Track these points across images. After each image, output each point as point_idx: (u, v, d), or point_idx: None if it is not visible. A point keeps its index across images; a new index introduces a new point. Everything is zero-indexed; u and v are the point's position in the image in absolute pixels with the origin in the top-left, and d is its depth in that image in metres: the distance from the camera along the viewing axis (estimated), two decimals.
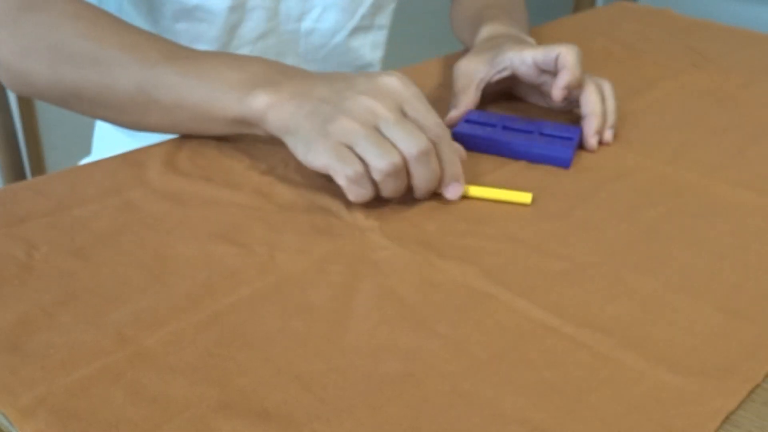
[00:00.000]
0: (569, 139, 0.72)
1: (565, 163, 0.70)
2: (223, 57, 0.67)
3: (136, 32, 0.69)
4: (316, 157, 0.59)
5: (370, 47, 0.97)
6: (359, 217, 0.61)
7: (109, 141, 0.96)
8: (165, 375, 0.45)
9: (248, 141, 0.72)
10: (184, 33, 0.84)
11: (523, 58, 0.75)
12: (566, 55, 0.72)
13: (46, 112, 1.83)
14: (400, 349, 0.48)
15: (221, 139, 0.72)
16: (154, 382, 0.45)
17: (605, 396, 0.45)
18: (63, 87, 0.69)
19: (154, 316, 0.50)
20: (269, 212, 0.61)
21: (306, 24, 0.89)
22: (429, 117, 0.60)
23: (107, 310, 0.50)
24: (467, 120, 0.74)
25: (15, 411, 0.42)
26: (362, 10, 0.92)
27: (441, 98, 0.82)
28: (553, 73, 0.74)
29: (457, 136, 0.71)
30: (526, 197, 0.64)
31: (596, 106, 0.73)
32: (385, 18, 0.96)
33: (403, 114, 0.60)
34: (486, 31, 0.85)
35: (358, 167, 0.58)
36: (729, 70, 0.94)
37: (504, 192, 0.64)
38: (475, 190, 0.64)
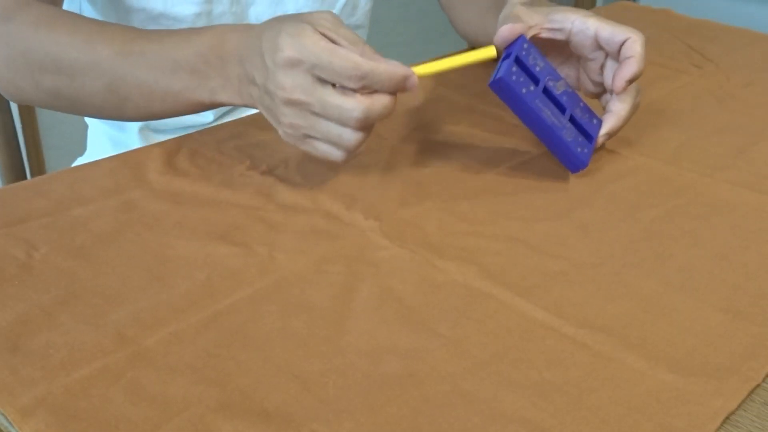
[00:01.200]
0: (590, 137, 0.69)
1: (577, 169, 0.68)
2: (165, 45, 0.66)
3: (87, 29, 0.69)
4: (296, 147, 0.62)
5: None
6: (359, 217, 0.61)
7: (100, 134, 0.97)
8: (165, 375, 0.45)
9: (248, 141, 0.72)
10: None
11: (586, 25, 0.68)
12: (636, 44, 0.66)
13: (45, 113, 1.83)
14: (400, 349, 0.48)
15: (221, 139, 0.72)
16: (154, 382, 0.45)
17: (605, 396, 0.45)
18: (44, 93, 0.71)
19: (154, 316, 0.50)
20: (269, 212, 0.61)
21: None
22: (341, 71, 0.57)
23: (107, 310, 0.50)
24: (517, 58, 0.66)
25: (15, 411, 0.42)
26: (335, 11, 0.91)
27: (435, 99, 0.82)
28: (609, 53, 0.70)
29: (498, 84, 0.64)
30: (489, 51, 0.60)
31: (626, 112, 0.69)
32: (361, 18, 0.95)
33: (321, 81, 0.58)
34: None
35: (338, 153, 0.60)
36: (729, 70, 0.94)
37: (465, 56, 0.61)
38: (428, 67, 0.62)
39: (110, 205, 0.61)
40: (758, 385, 0.46)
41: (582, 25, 0.69)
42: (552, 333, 0.50)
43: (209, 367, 0.46)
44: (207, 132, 0.73)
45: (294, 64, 0.57)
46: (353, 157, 0.63)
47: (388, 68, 0.58)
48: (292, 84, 0.58)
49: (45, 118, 1.84)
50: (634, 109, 0.70)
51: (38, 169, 1.85)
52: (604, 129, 0.69)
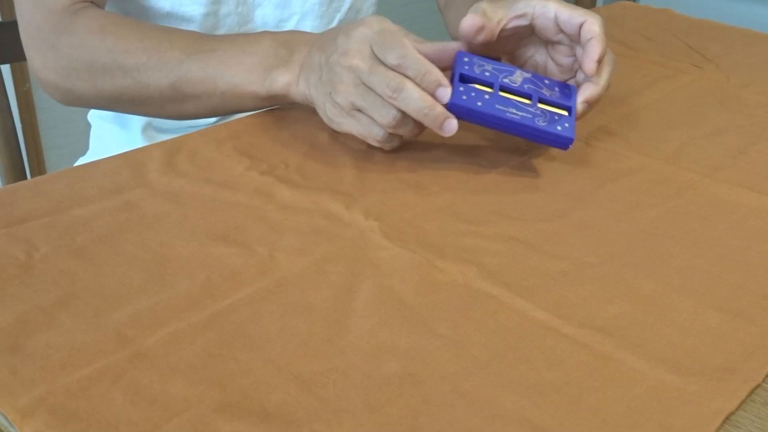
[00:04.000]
0: (568, 108, 0.68)
1: (567, 145, 0.67)
2: (237, 42, 0.74)
3: (155, 34, 0.74)
4: (341, 126, 0.68)
5: None
6: (359, 217, 0.61)
7: (104, 134, 0.97)
8: (165, 375, 0.45)
9: (248, 141, 0.72)
10: None
11: (546, 9, 0.70)
12: (593, 25, 0.68)
13: (45, 113, 1.83)
14: (400, 349, 0.48)
15: (221, 139, 0.72)
16: (154, 382, 0.45)
17: (605, 396, 0.45)
18: (105, 97, 0.76)
19: (154, 316, 0.50)
20: (269, 212, 0.61)
21: None
22: (388, 54, 0.64)
23: (107, 310, 0.50)
24: (461, 76, 0.67)
25: (15, 411, 0.42)
26: (340, 15, 0.92)
27: None
28: (570, 37, 0.71)
29: (452, 110, 0.65)
30: None
31: (603, 80, 0.69)
32: None
33: (376, 58, 0.65)
34: None
35: (378, 130, 0.66)
36: (729, 70, 0.94)
37: None
38: None
39: (110, 205, 0.61)
40: (758, 385, 0.46)
41: (542, 8, 0.70)
42: (552, 333, 0.50)
43: (209, 367, 0.46)
44: (207, 132, 0.73)
45: (360, 37, 0.65)
46: (398, 144, 0.69)
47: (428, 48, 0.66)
48: (357, 49, 0.65)
49: (45, 117, 1.84)
50: (610, 77, 0.71)
51: (38, 169, 1.85)
52: (582, 96, 0.69)
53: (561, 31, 0.71)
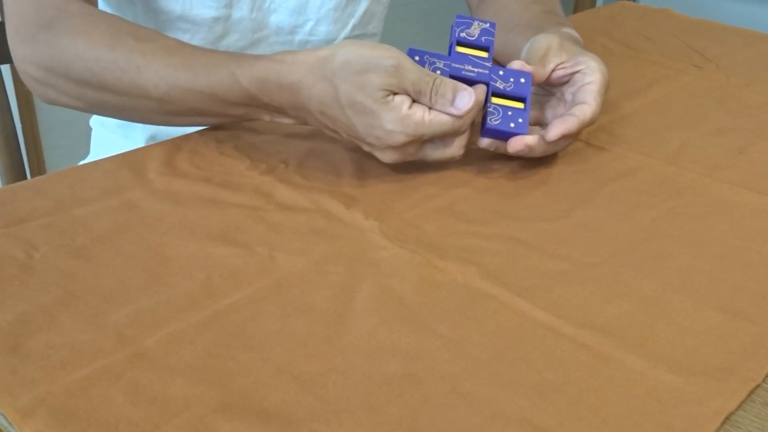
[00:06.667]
0: (523, 99, 0.67)
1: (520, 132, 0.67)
2: (216, 79, 0.67)
3: (130, 47, 0.69)
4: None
5: None
6: (359, 218, 0.61)
7: (106, 142, 0.97)
8: (165, 375, 0.45)
9: (248, 141, 0.72)
10: None
11: (591, 76, 0.69)
12: (588, 110, 0.67)
13: (46, 113, 1.83)
14: (400, 349, 0.48)
15: (221, 140, 0.72)
16: (154, 382, 0.45)
17: (605, 396, 0.45)
18: (87, 102, 0.73)
19: (154, 316, 0.50)
20: (269, 212, 0.61)
21: (299, 37, 0.89)
22: (439, 134, 0.64)
23: (107, 310, 0.50)
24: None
25: (15, 411, 0.42)
26: (354, 20, 0.92)
27: None
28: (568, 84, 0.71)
29: None
30: None
31: (591, 114, 0.68)
32: (376, 26, 0.97)
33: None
34: (567, 30, 0.78)
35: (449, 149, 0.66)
36: (729, 70, 0.94)
37: None
38: None
39: (110, 205, 0.61)
40: (758, 385, 0.46)
41: (590, 74, 0.69)
42: (552, 333, 0.50)
43: (209, 367, 0.46)
44: (207, 132, 0.73)
45: (410, 144, 0.64)
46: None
47: (470, 114, 0.64)
48: (402, 156, 0.65)
49: (45, 118, 1.84)
50: (599, 108, 0.69)
51: (38, 169, 1.85)
52: (560, 130, 0.66)
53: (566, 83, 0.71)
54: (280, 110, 0.68)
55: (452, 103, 0.63)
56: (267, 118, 0.70)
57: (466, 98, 0.63)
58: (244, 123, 0.75)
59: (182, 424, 0.42)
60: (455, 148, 0.66)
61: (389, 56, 0.62)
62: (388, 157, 0.65)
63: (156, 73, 0.68)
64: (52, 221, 0.59)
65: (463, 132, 0.65)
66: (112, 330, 0.48)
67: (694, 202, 0.65)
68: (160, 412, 0.43)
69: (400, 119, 0.62)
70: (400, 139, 0.63)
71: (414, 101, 0.63)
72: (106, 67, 0.69)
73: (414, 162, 0.69)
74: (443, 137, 0.65)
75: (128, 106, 0.71)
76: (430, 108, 0.63)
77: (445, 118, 0.63)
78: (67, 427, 0.41)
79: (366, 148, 0.66)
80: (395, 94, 0.62)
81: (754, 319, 0.51)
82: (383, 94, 0.62)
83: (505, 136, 0.66)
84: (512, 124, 0.66)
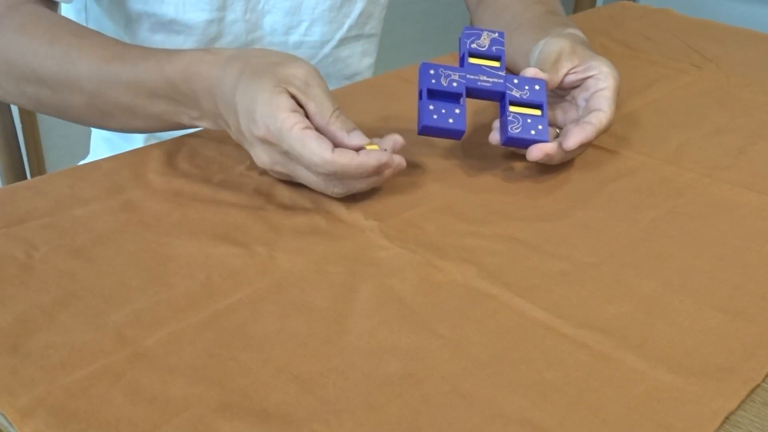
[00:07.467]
0: (540, 106, 0.67)
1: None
2: (143, 67, 0.66)
3: (69, 43, 0.69)
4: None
5: (360, 55, 0.96)
6: (359, 217, 0.61)
7: (106, 142, 0.97)
8: (164, 375, 0.45)
9: None
10: (161, 45, 0.84)
11: (604, 81, 0.69)
12: (604, 117, 0.67)
13: None
14: (400, 349, 0.48)
15: (221, 140, 0.72)
16: (154, 382, 0.45)
17: (605, 396, 0.45)
18: (27, 100, 0.73)
19: (154, 316, 0.50)
20: (269, 212, 0.61)
21: (293, 38, 0.89)
22: (311, 164, 0.59)
23: (107, 310, 0.50)
24: (429, 91, 0.65)
25: (14, 411, 0.42)
26: (350, 21, 0.92)
27: None
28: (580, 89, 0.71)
29: (426, 132, 0.65)
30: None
31: (606, 121, 0.67)
32: (374, 26, 0.96)
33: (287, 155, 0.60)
34: (573, 31, 0.77)
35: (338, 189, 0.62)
36: (729, 70, 0.94)
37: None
38: None
39: (110, 205, 0.61)
40: (758, 385, 0.46)
41: (603, 79, 0.69)
42: (552, 333, 0.50)
43: (209, 367, 0.46)
44: (207, 132, 0.73)
45: (270, 143, 0.60)
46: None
47: (360, 162, 0.59)
48: (270, 160, 0.61)
49: (45, 118, 1.84)
50: (614, 114, 0.69)
51: (38, 169, 1.85)
52: (579, 138, 0.66)
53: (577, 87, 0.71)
54: (195, 102, 0.65)
55: (348, 132, 0.60)
56: (185, 120, 0.67)
57: (361, 139, 0.60)
58: None
59: (182, 424, 0.42)
60: (321, 184, 0.61)
61: (309, 67, 0.61)
62: (259, 155, 0.61)
63: (89, 66, 0.68)
64: (52, 221, 0.59)
65: (328, 174, 0.59)
66: (112, 330, 0.48)
67: (694, 202, 0.65)
68: (160, 412, 0.43)
69: (270, 109, 0.58)
70: (261, 131, 0.59)
71: (305, 118, 0.59)
72: (44, 61, 0.69)
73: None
74: (306, 165, 0.59)
75: (63, 104, 0.71)
76: (315, 130, 0.59)
77: (312, 143, 0.57)
78: (67, 427, 0.41)
79: (245, 145, 0.63)
80: (289, 93, 0.59)
81: (754, 319, 0.52)
82: (277, 83, 0.59)
83: (526, 143, 0.66)
84: (533, 132, 0.66)
